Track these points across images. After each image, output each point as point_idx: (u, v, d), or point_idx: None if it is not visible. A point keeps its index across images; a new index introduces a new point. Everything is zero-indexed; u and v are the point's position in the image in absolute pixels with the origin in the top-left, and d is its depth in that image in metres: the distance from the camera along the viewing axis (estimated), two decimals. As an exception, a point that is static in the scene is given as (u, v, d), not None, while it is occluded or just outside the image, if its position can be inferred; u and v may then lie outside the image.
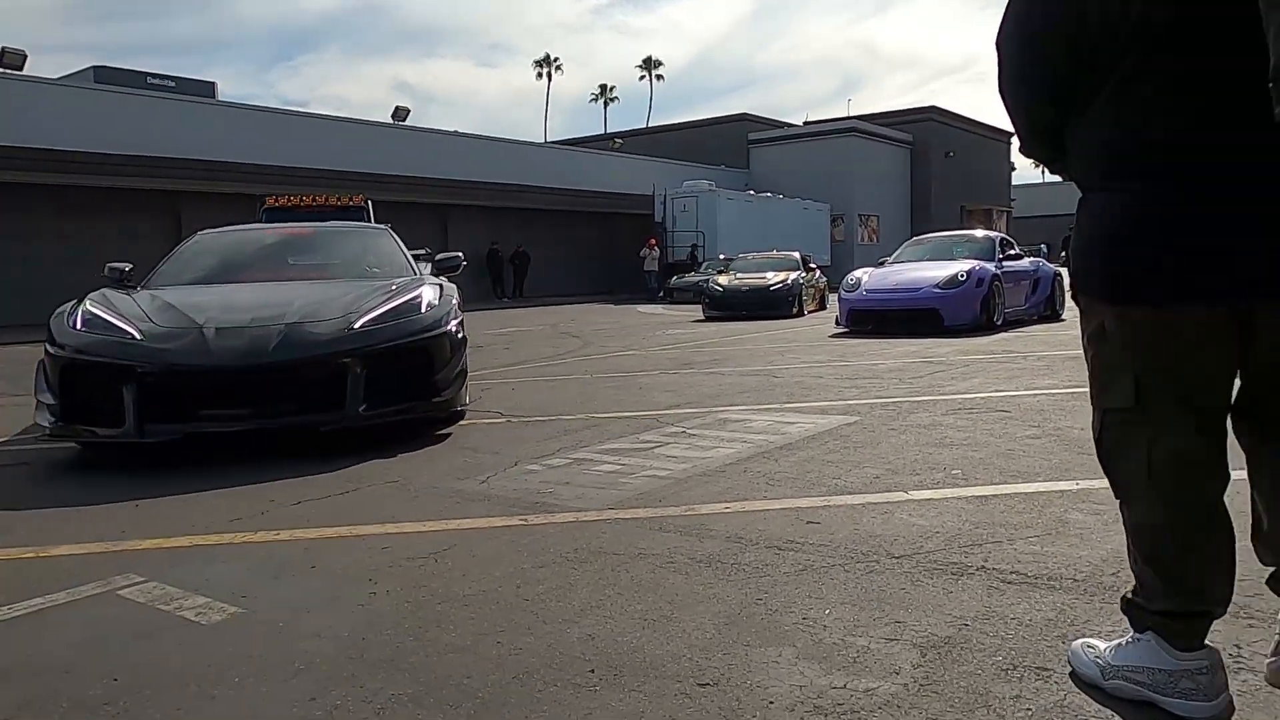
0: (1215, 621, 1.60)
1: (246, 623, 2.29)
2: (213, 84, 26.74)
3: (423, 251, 7.21)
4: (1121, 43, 1.42)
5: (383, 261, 6.16)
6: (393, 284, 5.26)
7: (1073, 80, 1.52)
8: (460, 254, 6.46)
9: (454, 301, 5.20)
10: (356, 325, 4.57)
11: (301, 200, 11.29)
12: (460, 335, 5.04)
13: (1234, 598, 2.14)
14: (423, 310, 4.87)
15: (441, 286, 5.33)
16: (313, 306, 4.76)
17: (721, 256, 23.16)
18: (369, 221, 11.11)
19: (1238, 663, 1.83)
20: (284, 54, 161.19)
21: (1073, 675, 1.80)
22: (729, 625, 2.14)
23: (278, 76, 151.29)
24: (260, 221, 11.15)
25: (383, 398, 4.49)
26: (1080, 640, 1.87)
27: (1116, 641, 1.76)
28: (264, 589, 2.53)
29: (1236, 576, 2.28)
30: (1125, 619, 1.76)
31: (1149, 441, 1.57)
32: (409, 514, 3.28)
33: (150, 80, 23.88)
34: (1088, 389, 1.70)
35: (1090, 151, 1.55)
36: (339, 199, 11.36)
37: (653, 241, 28.48)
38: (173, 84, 24.27)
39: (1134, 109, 1.43)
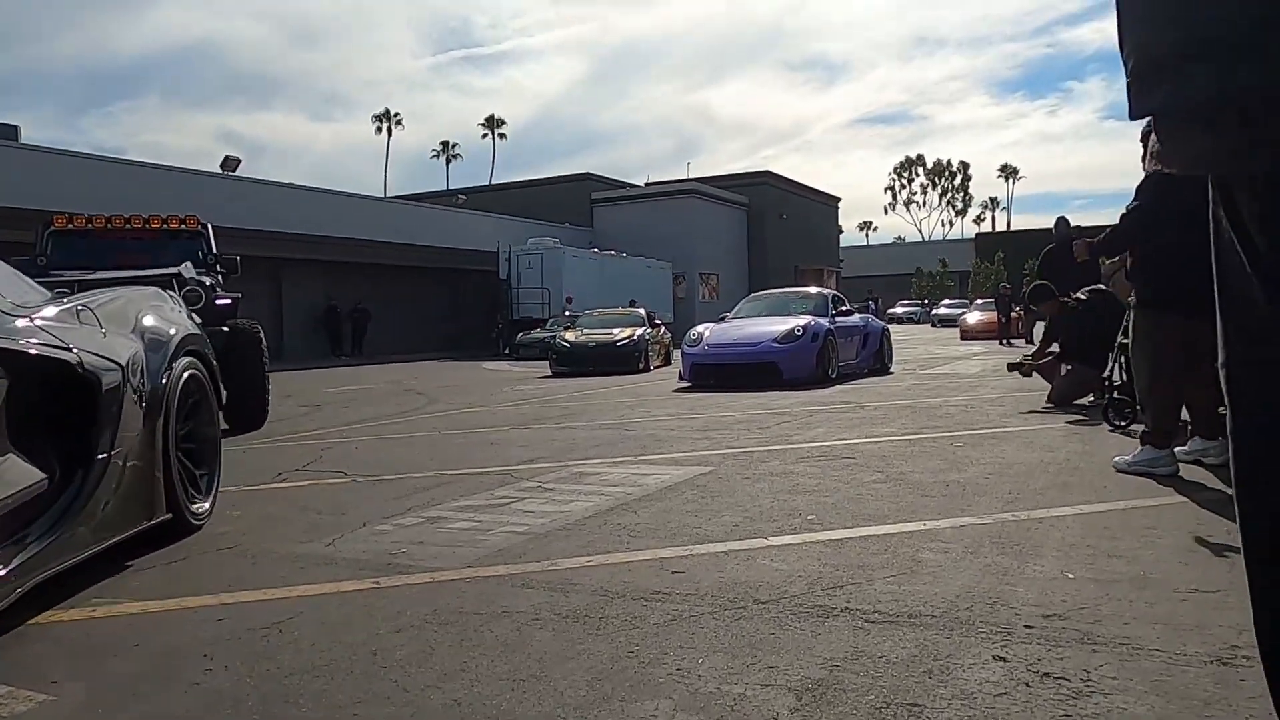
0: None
1: (58, 712, 2.02)
2: (15, 127, 24.83)
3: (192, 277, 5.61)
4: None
5: None
6: None
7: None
8: None
9: None
10: None
11: (110, 222, 8.86)
12: None
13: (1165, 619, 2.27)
14: None
15: None
16: None
17: (566, 313, 23.19)
18: (210, 250, 9.16)
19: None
20: (98, 99, 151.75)
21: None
22: (601, 681, 2.07)
23: (91, 123, 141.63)
24: (43, 252, 8.52)
25: None
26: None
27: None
28: (79, 673, 2.25)
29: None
30: None
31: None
32: (247, 582, 3.03)
33: (-58, 122, 21.90)
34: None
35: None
36: (162, 220, 9.06)
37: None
38: (-32, 126, 22.37)
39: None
